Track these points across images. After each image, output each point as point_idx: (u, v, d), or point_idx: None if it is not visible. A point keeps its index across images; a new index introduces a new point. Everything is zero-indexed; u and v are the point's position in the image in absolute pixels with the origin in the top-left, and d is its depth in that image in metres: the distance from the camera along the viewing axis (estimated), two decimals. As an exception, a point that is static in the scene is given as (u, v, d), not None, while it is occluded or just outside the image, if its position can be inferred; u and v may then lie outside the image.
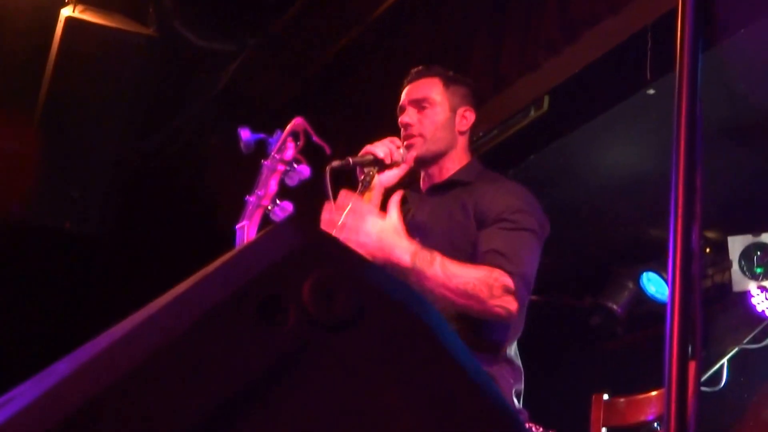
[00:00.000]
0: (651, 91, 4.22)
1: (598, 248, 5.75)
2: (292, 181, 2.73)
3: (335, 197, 2.68)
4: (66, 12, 4.87)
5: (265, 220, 2.72)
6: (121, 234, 5.75)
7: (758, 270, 5.13)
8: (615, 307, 5.80)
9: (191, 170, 6.05)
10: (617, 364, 5.66)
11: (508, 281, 2.63)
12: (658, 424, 2.88)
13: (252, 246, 1.01)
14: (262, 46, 5.26)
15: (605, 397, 2.94)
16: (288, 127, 2.73)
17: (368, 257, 2.42)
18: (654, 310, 5.65)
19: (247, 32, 5.13)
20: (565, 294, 5.94)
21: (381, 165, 2.86)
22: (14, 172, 5.25)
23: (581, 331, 5.98)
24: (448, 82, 3.02)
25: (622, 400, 2.92)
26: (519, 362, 2.84)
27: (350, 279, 0.97)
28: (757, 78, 4.20)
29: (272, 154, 2.72)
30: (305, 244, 0.97)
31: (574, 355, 6.04)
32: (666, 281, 5.35)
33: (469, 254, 2.76)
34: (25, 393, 0.93)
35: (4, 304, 6.07)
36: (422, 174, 3.05)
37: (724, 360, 4.70)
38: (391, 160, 2.87)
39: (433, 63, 3.21)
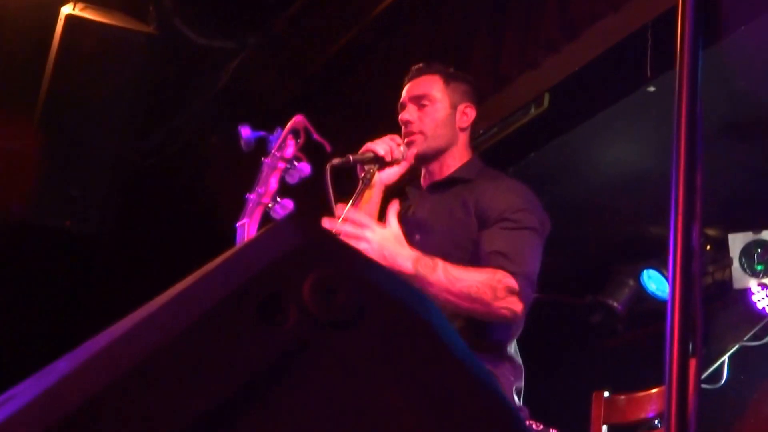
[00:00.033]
0: (651, 89, 4.22)
1: (598, 246, 5.74)
2: (292, 179, 2.72)
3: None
4: (66, 10, 4.87)
5: (266, 217, 2.72)
6: (121, 233, 5.75)
7: (759, 267, 5.13)
8: (615, 304, 5.79)
9: (191, 169, 6.04)
10: (618, 361, 5.65)
11: (512, 282, 2.63)
12: (658, 422, 2.87)
13: (252, 244, 1.00)
14: (262, 45, 5.26)
15: (606, 394, 2.93)
16: (288, 125, 2.73)
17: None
18: (654, 307, 5.64)
19: (247, 31, 5.13)
20: (565, 291, 5.92)
21: (381, 162, 2.86)
22: (14, 172, 5.25)
23: (582, 328, 5.97)
24: (448, 79, 3.01)
25: (622, 397, 2.91)
26: (519, 359, 2.84)
27: (351, 277, 0.96)
28: (758, 76, 4.20)
29: (272, 151, 2.72)
30: (305, 242, 0.97)
31: (574, 352, 6.03)
32: (666, 278, 5.33)
33: (470, 251, 2.76)
34: (25, 391, 0.93)
35: (5, 303, 6.07)
36: (423, 171, 3.05)
37: (725, 357, 4.69)
38: (392, 157, 2.86)
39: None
